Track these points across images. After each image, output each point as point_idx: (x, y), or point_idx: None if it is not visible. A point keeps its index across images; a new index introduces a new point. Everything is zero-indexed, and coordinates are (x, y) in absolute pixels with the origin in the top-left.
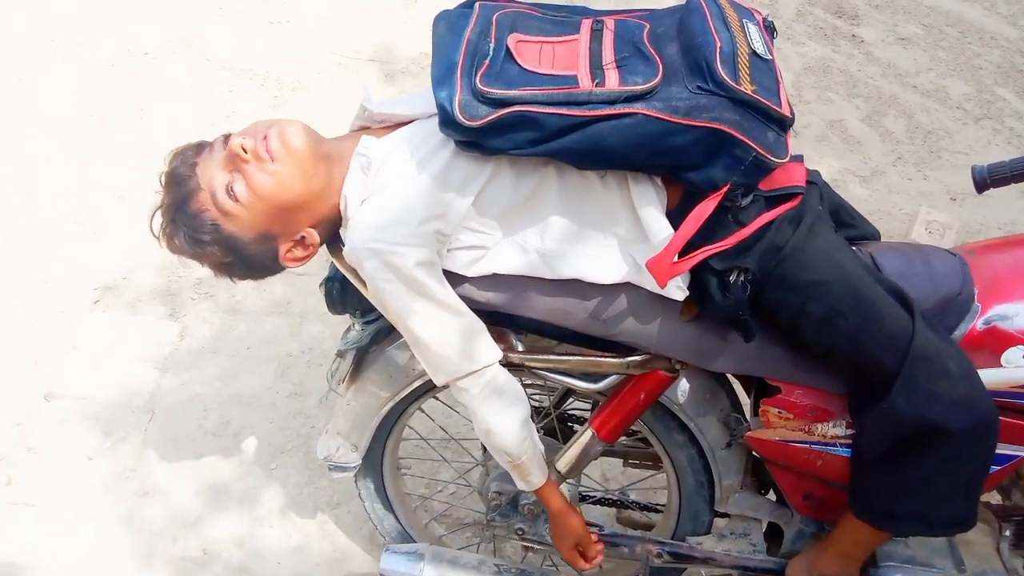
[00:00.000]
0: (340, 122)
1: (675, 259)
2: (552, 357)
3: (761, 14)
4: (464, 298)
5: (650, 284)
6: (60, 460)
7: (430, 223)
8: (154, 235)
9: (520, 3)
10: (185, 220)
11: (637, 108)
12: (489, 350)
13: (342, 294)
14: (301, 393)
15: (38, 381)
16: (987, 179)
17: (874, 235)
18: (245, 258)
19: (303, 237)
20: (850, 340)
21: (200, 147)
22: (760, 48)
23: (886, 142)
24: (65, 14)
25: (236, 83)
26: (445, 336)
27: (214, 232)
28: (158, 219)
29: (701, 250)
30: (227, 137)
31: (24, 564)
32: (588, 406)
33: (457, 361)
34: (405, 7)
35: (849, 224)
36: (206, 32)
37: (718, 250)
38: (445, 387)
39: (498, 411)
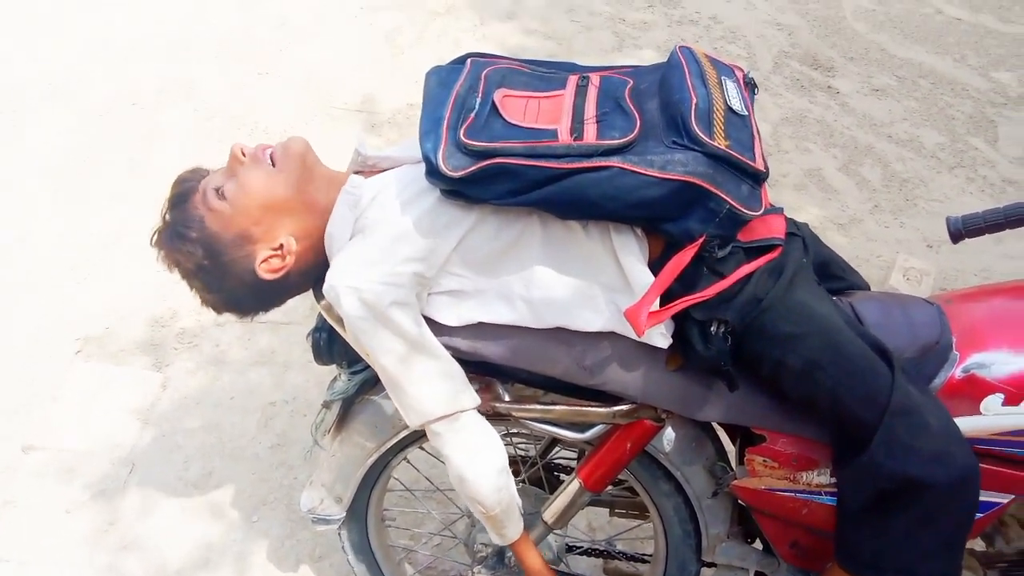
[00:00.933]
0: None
1: (654, 308)
2: (538, 407)
3: (742, 70)
4: (450, 348)
5: (634, 333)
6: (38, 513)
7: (410, 264)
8: (155, 247)
9: (510, 59)
10: (176, 216)
11: (613, 162)
12: (464, 395)
13: (329, 345)
14: (284, 444)
15: (17, 432)
16: (961, 230)
17: (863, 287)
18: (222, 264)
19: (281, 245)
20: (829, 393)
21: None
22: (736, 104)
23: (863, 190)
24: (60, 62)
25: (227, 132)
26: (418, 377)
27: (199, 228)
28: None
29: (680, 300)
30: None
31: None
32: (575, 455)
33: (430, 404)
34: (392, 59)
35: (838, 276)
36: (199, 81)
37: (696, 300)
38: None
39: (472, 458)
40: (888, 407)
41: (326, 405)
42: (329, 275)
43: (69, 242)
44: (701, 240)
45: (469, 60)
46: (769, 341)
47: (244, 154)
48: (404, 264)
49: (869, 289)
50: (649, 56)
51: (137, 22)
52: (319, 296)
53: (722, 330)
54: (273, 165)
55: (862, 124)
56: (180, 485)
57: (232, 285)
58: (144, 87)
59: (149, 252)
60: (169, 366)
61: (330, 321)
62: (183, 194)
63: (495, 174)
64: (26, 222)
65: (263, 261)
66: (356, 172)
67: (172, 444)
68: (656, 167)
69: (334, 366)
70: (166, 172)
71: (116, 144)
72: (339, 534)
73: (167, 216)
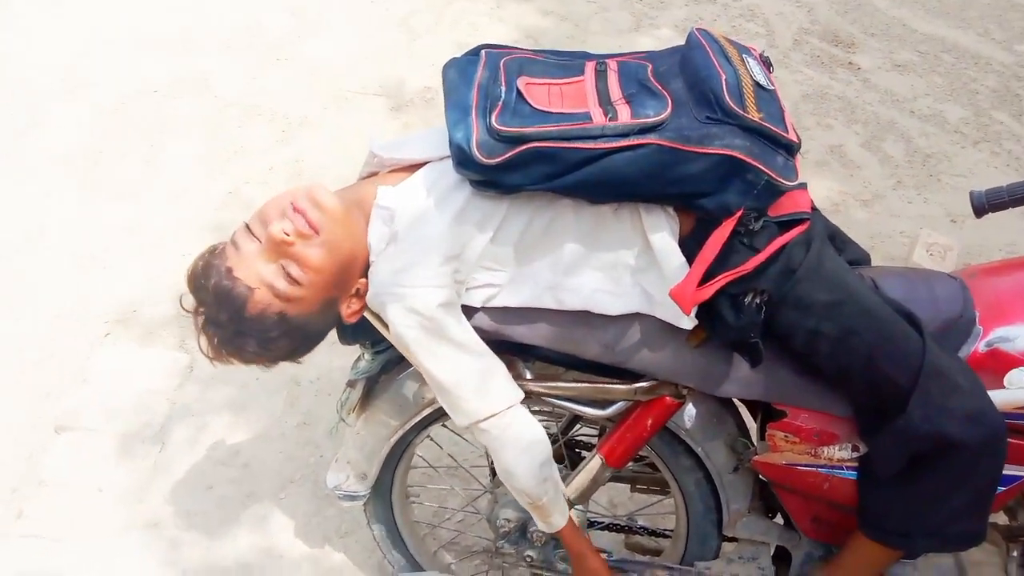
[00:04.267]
0: (345, 155)
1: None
2: (560, 384)
3: (757, 49)
4: (475, 328)
5: (661, 312)
6: (71, 492)
7: (449, 263)
8: (207, 357)
9: (523, 49)
10: (250, 327)
11: (650, 139)
12: (509, 392)
13: (353, 325)
14: (309, 422)
15: (49, 414)
16: (985, 204)
17: (865, 259)
18: (311, 335)
19: (357, 289)
20: (864, 359)
21: (216, 251)
22: (762, 79)
23: (885, 166)
24: (76, 54)
25: (244, 119)
26: (464, 379)
27: (282, 324)
28: (205, 340)
29: (723, 275)
30: (248, 228)
31: None
32: (596, 432)
33: (476, 404)
34: (409, 43)
35: (840, 249)
36: (214, 70)
37: (739, 274)
38: None
39: (518, 453)
40: (922, 369)
41: (350, 384)
42: (372, 283)
43: (91, 230)
44: (739, 214)
45: (483, 51)
46: (804, 311)
47: (289, 234)
48: (444, 264)
49: (870, 260)
50: (667, 35)
51: (150, 13)
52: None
53: (756, 301)
54: (317, 232)
55: (884, 100)
56: (208, 464)
57: (313, 342)
58: (159, 78)
59: (170, 238)
60: (196, 347)
61: (378, 328)
62: (239, 303)
63: (531, 159)
64: (47, 212)
65: (347, 308)
66: (372, 172)
67: (200, 424)
68: (693, 142)
69: (357, 346)
70: (184, 160)
71: (132, 135)
72: (364, 510)
73: (239, 329)
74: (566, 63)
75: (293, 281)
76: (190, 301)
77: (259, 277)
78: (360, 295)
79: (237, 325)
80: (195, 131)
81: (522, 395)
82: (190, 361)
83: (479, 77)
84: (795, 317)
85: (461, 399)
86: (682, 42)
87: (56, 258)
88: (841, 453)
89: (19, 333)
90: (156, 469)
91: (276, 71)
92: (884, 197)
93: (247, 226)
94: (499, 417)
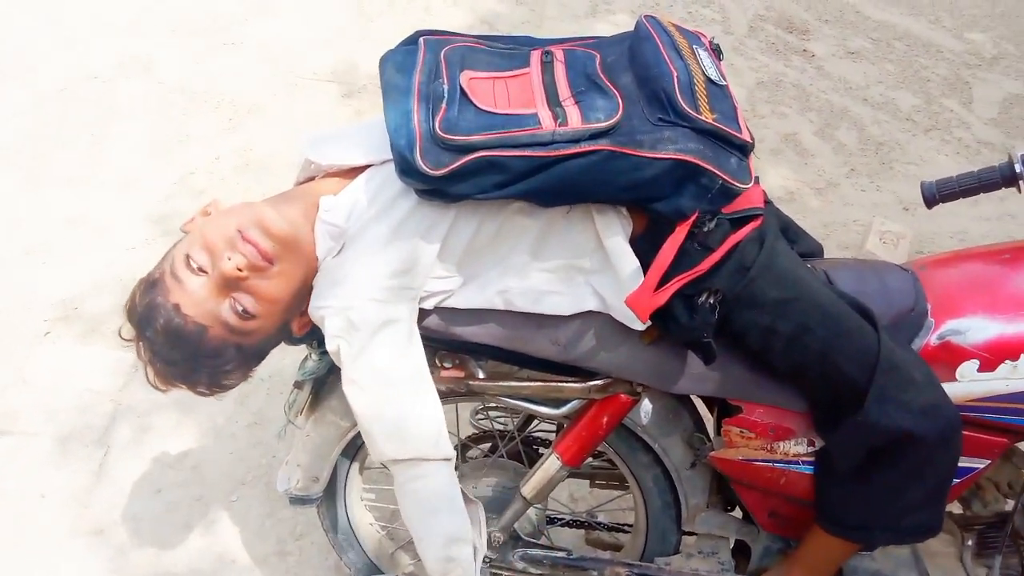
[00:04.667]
0: (296, 142)
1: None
2: (513, 384)
3: (707, 36)
4: (421, 328)
5: (614, 312)
6: (11, 499)
7: (396, 278)
8: (156, 388)
9: (464, 36)
10: (207, 364)
11: (602, 145)
12: (423, 442)
13: None
14: (261, 422)
15: None
16: (936, 195)
17: (818, 250)
18: (263, 354)
19: (307, 306)
20: (819, 355)
21: (155, 285)
22: (714, 74)
23: (839, 154)
24: (15, 38)
25: (190, 106)
26: (376, 413)
27: (238, 356)
28: (153, 372)
29: (678, 278)
30: (188, 259)
31: None
32: (553, 428)
33: (381, 444)
34: (362, 27)
35: (793, 241)
36: (159, 55)
37: (694, 275)
38: None
39: (422, 515)
40: (877, 364)
41: (298, 385)
42: (314, 297)
43: (32, 223)
44: (693, 217)
45: (421, 39)
46: (758, 309)
47: (242, 269)
48: (391, 278)
49: (823, 252)
50: (623, 20)
51: None
52: None
53: (710, 301)
54: (271, 263)
55: (838, 87)
56: (155, 467)
57: (262, 359)
58: (102, 62)
59: (113, 232)
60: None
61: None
62: (195, 342)
63: (479, 168)
64: None
65: (299, 325)
66: (308, 177)
67: (145, 424)
68: (646, 147)
69: (304, 345)
70: (128, 147)
71: (75, 121)
72: (318, 512)
73: (194, 367)
74: (511, 51)
75: (248, 316)
76: (129, 330)
77: (211, 314)
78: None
79: (191, 362)
80: (139, 119)
81: (449, 453)
82: (134, 360)
83: (418, 74)
84: (749, 315)
85: (369, 434)
86: None
87: None
88: (797, 448)
89: None
90: (101, 473)
91: (224, 56)
92: (838, 185)
93: (188, 257)
94: (409, 465)
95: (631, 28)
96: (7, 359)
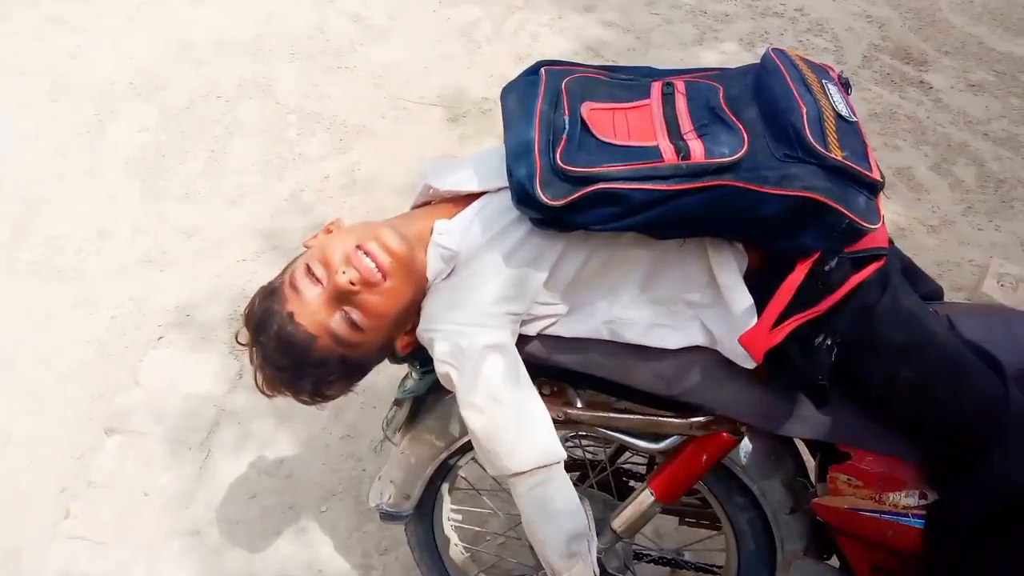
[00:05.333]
0: (401, 165)
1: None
2: (612, 415)
3: (836, 70)
4: (523, 354)
5: (722, 348)
6: (118, 495)
7: (502, 304)
8: (263, 392)
9: (585, 66)
10: (311, 372)
11: (726, 180)
12: (543, 451)
13: None
14: (354, 435)
15: (100, 415)
16: None
17: (938, 293)
18: (365, 369)
19: (412, 326)
20: (942, 406)
21: (274, 293)
22: (844, 110)
23: (955, 191)
24: (146, 59)
25: (303, 127)
26: (497, 434)
27: (341, 367)
28: (261, 377)
29: (794, 318)
30: (308, 270)
31: None
32: (645, 459)
33: (505, 462)
34: (469, 54)
35: (913, 282)
36: (277, 76)
37: (812, 315)
38: None
39: (544, 520)
40: (1003, 418)
41: (397, 403)
42: (424, 319)
43: (151, 233)
44: (816, 256)
45: (543, 69)
46: (880, 354)
47: (355, 283)
48: (497, 304)
49: (942, 295)
50: (732, 49)
51: (216, 20)
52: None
53: (827, 343)
54: (385, 278)
55: (956, 121)
56: (252, 473)
57: (364, 374)
58: (223, 83)
59: (226, 244)
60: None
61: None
62: (303, 349)
63: (597, 200)
64: (109, 213)
65: (403, 344)
66: (426, 201)
67: (245, 431)
68: (771, 183)
69: (406, 364)
70: (244, 164)
71: (196, 138)
72: (405, 530)
73: (300, 374)
74: (631, 83)
75: (356, 328)
76: (245, 335)
77: (322, 325)
78: (414, 330)
79: (298, 369)
80: (256, 137)
81: (562, 455)
82: (239, 368)
83: (540, 104)
84: (870, 360)
85: (491, 453)
86: (747, 57)
87: (117, 259)
88: (908, 500)
89: (79, 334)
90: (201, 475)
91: (337, 79)
92: (953, 223)
93: (308, 267)
94: (530, 476)
95: (740, 57)
96: (123, 361)
